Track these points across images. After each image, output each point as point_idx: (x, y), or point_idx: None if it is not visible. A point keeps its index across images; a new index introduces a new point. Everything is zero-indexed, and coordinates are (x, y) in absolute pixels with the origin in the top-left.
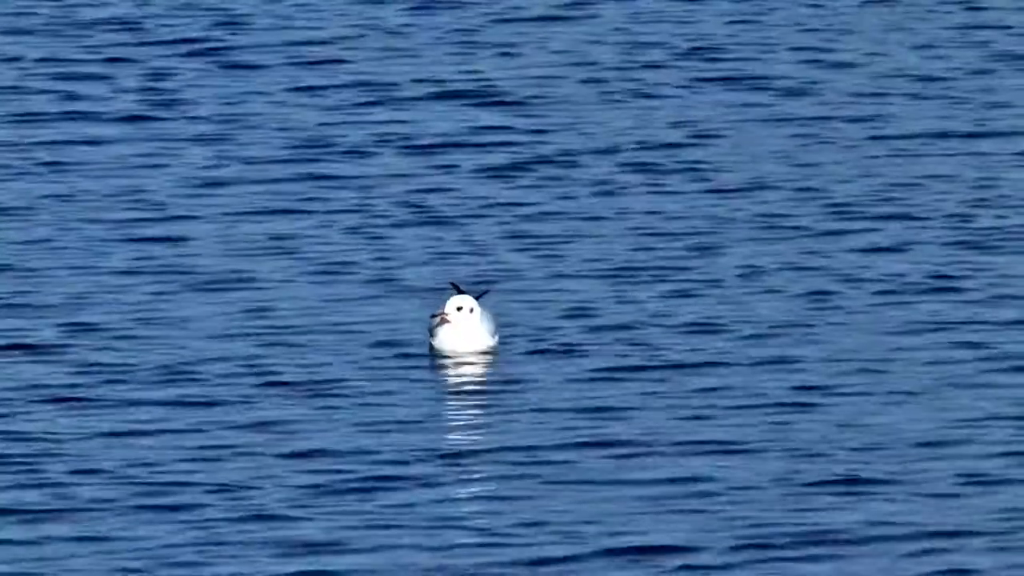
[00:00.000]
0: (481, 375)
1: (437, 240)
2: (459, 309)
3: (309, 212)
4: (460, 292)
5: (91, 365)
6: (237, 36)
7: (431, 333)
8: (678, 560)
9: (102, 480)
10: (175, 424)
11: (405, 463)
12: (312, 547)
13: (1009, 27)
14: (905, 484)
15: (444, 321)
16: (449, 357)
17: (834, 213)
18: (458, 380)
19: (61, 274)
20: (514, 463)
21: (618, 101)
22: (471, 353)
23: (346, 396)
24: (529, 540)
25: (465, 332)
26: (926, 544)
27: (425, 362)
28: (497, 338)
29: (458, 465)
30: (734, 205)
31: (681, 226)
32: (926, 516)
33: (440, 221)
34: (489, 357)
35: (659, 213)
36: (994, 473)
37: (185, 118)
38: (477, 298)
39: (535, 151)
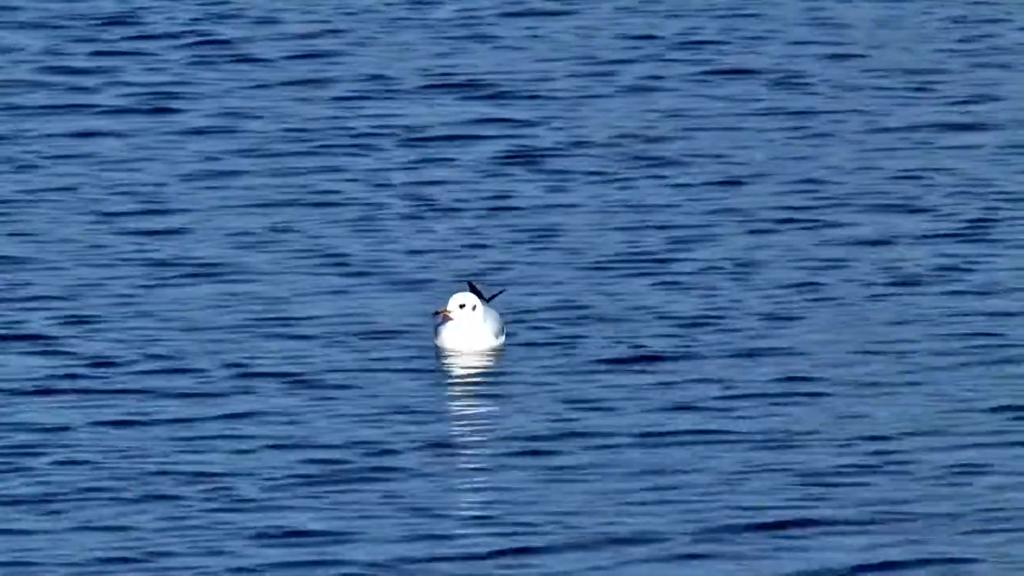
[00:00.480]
0: (475, 369)
1: (431, 231)
2: (462, 307)
3: (303, 203)
4: (476, 292)
5: (85, 356)
6: (232, 28)
7: (436, 331)
8: (659, 546)
9: (92, 469)
10: (167, 414)
11: (395, 453)
12: (303, 536)
13: (1003, 20)
14: (883, 472)
15: (447, 318)
16: (451, 354)
17: (821, 205)
18: (450, 373)
19: (53, 266)
20: (502, 454)
21: (609, 93)
22: (473, 351)
23: (338, 387)
24: (513, 528)
25: (468, 330)
26: (902, 530)
27: (415, 353)
28: (502, 338)
29: (446, 456)
30: (724, 197)
31: (671, 218)
32: (905, 503)
33: (435, 212)
34: (491, 355)
35: (652, 205)
36: (977, 461)
37: (180, 110)
38: (490, 298)
39: (529, 143)
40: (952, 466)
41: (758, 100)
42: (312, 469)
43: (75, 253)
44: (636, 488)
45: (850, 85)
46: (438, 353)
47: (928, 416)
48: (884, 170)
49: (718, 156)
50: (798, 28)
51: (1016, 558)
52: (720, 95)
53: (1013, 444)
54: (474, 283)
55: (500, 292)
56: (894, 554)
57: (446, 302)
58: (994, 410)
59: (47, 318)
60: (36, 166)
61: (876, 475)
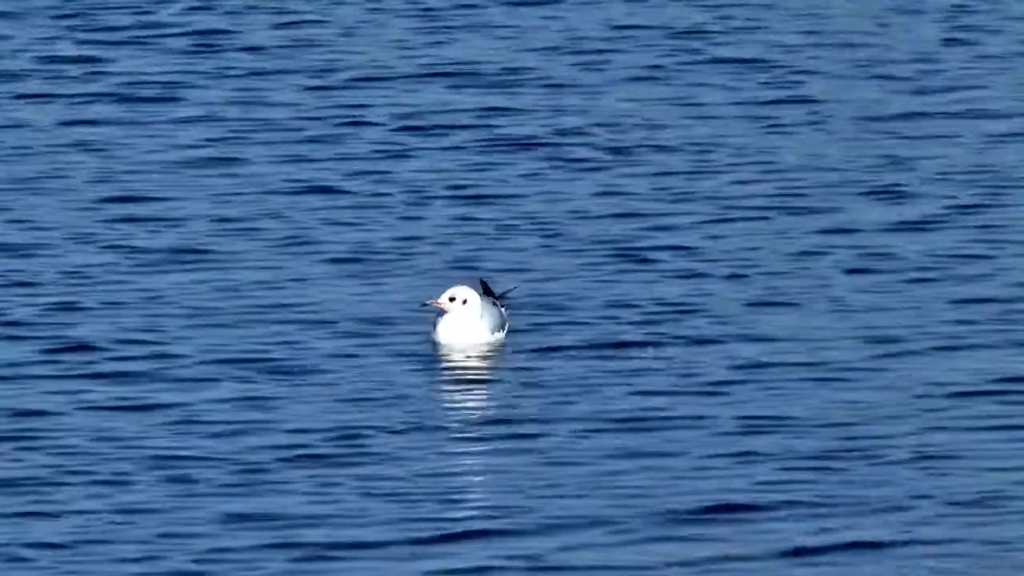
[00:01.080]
0: (458, 359)
1: (418, 219)
2: (452, 300)
3: (289, 192)
4: (487, 288)
5: (64, 340)
6: (222, 18)
7: (434, 324)
8: (628, 527)
9: (76, 454)
10: (159, 398)
11: (370, 438)
12: (276, 519)
13: (991, 11)
14: (850, 457)
15: (442, 311)
16: (446, 348)
17: (801, 192)
18: (430, 361)
19: (34, 252)
20: (476, 439)
21: (594, 82)
22: (469, 346)
23: (319, 373)
24: (486, 511)
25: (462, 324)
26: (867, 513)
27: (396, 341)
28: (501, 334)
29: (419, 440)
30: (706, 185)
31: (653, 206)
32: (871, 487)
33: (420, 201)
34: (485, 351)
35: (635, 193)
36: (944, 446)
37: (164, 99)
38: (501, 295)
39: (515, 131)
40: (919, 451)
41: (741, 89)
42: (287, 453)
43: (60, 240)
44: (608, 472)
45: (830, 73)
46: (434, 346)
47: (897, 401)
48: (862, 158)
49: (701, 144)
50: (783, 17)
51: (980, 540)
52: (705, 83)
53: (979, 429)
54: (485, 280)
55: (513, 288)
56: (858, 536)
57: (437, 292)
58: (962, 395)
59: (27, 304)
60: (21, 154)
61: (844, 460)
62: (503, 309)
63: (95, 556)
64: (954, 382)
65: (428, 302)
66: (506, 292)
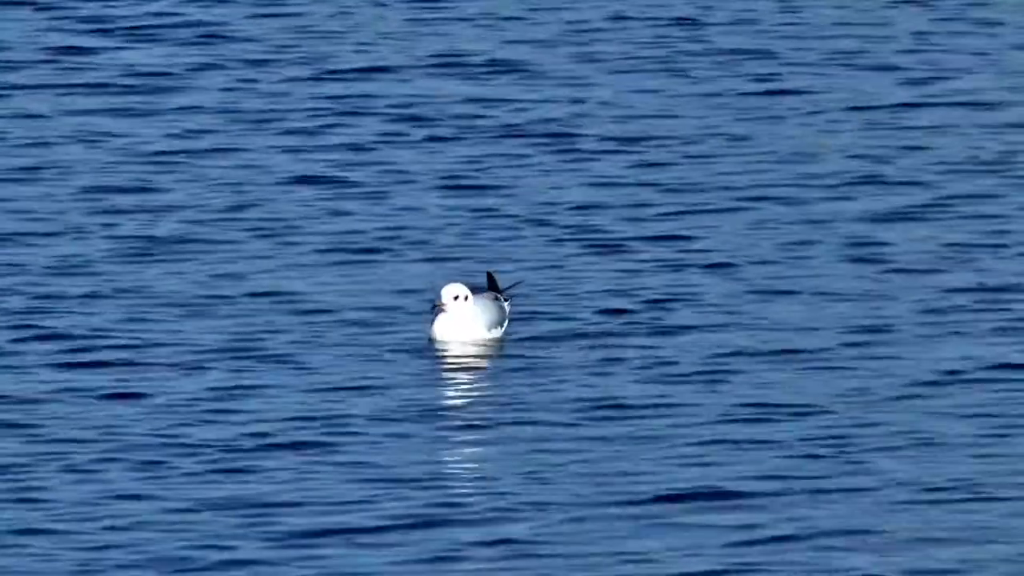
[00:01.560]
0: (446, 352)
1: (408, 210)
2: (455, 298)
3: (278, 182)
4: (493, 281)
5: (54, 329)
6: (209, 8)
7: (429, 321)
8: (603, 512)
9: (50, 440)
10: (144, 386)
11: (344, 425)
12: (264, 505)
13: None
14: (826, 444)
15: (441, 310)
16: (441, 345)
17: (786, 183)
18: (419, 352)
19: (25, 241)
20: (457, 427)
21: (586, 73)
22: (463, 343)
23: (305, 362)
24: (455, 499)
25: (458, 321)
26: (839, 501)
27: (375, 332)
28: (498, 331)
29: (395, 427)
30: (693, 174)
31: (641, 194)
32: (842, 475)
33: (411, 191)
34: (479, 347)
35: (625, 183)
36: (910, 436)
37: (158, 89)
38: (506, 289)
39: (500, 122)
40: (900, 438)
41: (730, 79)
42: (269, 440)
43: (48, 228)
44: (592, 459)
45: (819, 63)
46: (429, 343)
47: (879, 389)
48: (850, 147)
49: (690, 135)
50: (774, 6)
51: (960, 527)
52: (694, 74)
53: (960, 416)
54: (492, 273)
55: (519, 283)
56: (839, 522)
57: (426, 283)
58: (945, 384)
59: (13, 292)
60: (12, 145)
61: (826, 447)
62: (506, 304)
63: (74, 542)
64: (936, 370)
65: (437, 303)
66: (511, 286)
